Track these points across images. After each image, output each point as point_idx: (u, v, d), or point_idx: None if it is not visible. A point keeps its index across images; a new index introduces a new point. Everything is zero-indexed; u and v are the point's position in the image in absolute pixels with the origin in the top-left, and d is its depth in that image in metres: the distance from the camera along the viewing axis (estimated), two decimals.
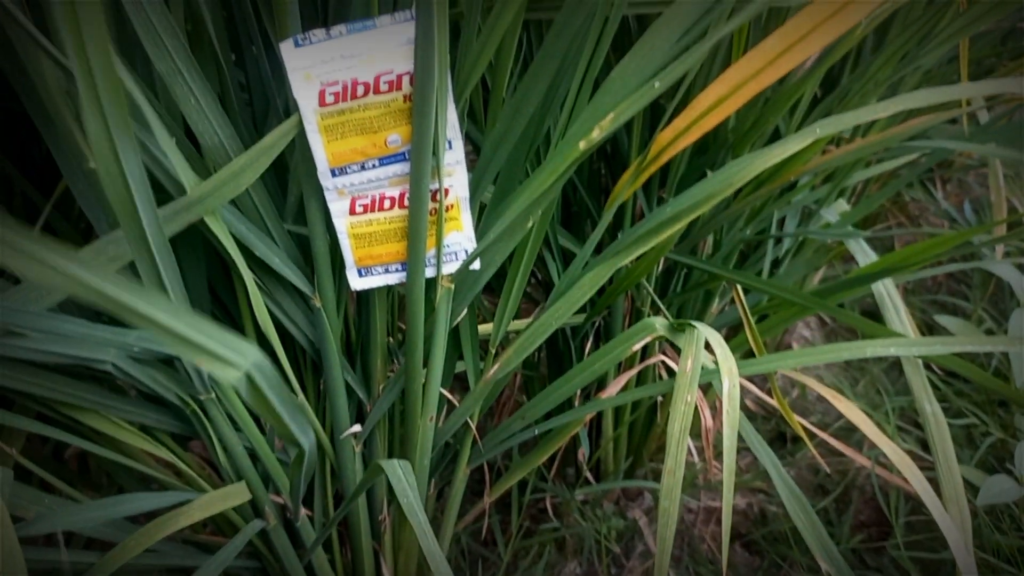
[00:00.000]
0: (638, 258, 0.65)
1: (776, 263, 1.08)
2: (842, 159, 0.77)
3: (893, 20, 0.90)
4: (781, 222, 1.04)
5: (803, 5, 0.46)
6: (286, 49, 0.47)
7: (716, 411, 1.08)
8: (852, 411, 0.70)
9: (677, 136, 0.59)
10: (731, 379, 0.54)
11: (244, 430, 0.58)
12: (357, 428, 0.62)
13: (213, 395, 0.55)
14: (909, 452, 1.14)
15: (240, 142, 0.51)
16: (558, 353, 0.93)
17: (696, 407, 0.64)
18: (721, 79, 0.54)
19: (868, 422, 0.70)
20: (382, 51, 0.47)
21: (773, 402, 0.84)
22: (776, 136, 0.90)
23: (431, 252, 0.55)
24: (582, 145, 0.48)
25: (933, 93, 0.57)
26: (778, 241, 1.01)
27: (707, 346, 0.60)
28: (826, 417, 1.26)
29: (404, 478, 0.53)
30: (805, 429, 0.96)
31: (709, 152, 0.83)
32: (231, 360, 0.29)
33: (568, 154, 0.48)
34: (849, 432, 1.24)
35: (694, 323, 0.60)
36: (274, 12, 0.46)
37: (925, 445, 1.21)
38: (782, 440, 1.22)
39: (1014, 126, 0.88)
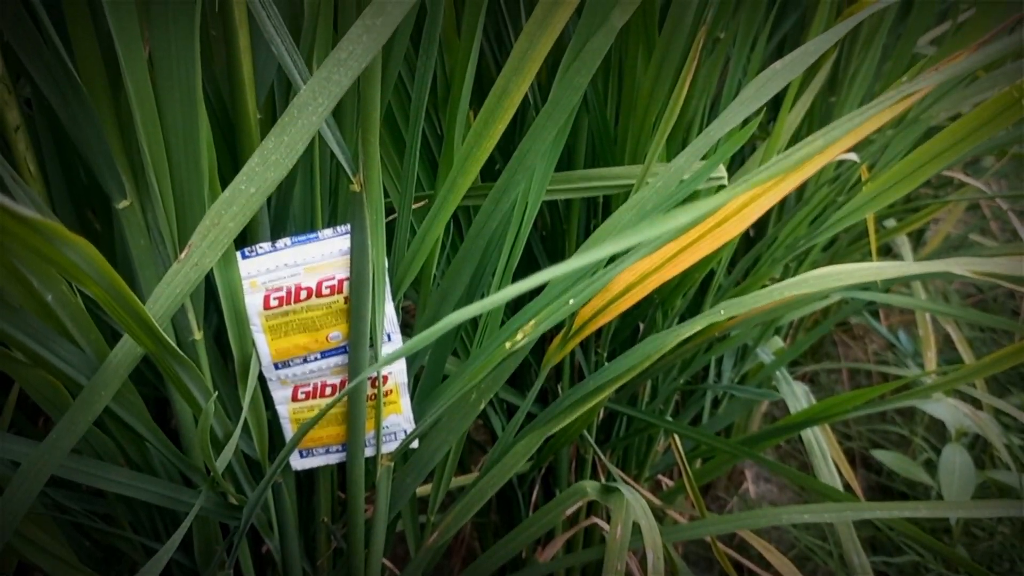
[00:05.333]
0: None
1: (718, 401, 1.13)
2: (764, 317, 0.83)
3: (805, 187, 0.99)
4: (720, 360, 1.09)
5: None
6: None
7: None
8: (784, 565, 0.73)
9: (596, 313, 0.65)
10: (655, 551, 0.57)
11: None
12: None
13: None
14: None
15: None
16: (507, 499, 0.95)
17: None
18: (630, 269, 0.60)
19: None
20: (323, 260, 0.53)
21: None
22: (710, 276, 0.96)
23: (371, 433, 0.59)
24: (508, 346, 0.53)
25: (842, 273, 0.60)
26: (718, 378, 1.06)
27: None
28: (779, 545, 1.28)
29: None
30: (749, 570, 0.98)
31: (640, 307, 0.89)
32: None
33: (496, 354, 0.53)
34: (803, 561, 1.26)
35: (623, 488, 0.63)
36: None
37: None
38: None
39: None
